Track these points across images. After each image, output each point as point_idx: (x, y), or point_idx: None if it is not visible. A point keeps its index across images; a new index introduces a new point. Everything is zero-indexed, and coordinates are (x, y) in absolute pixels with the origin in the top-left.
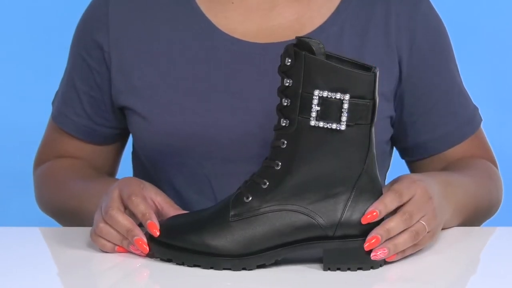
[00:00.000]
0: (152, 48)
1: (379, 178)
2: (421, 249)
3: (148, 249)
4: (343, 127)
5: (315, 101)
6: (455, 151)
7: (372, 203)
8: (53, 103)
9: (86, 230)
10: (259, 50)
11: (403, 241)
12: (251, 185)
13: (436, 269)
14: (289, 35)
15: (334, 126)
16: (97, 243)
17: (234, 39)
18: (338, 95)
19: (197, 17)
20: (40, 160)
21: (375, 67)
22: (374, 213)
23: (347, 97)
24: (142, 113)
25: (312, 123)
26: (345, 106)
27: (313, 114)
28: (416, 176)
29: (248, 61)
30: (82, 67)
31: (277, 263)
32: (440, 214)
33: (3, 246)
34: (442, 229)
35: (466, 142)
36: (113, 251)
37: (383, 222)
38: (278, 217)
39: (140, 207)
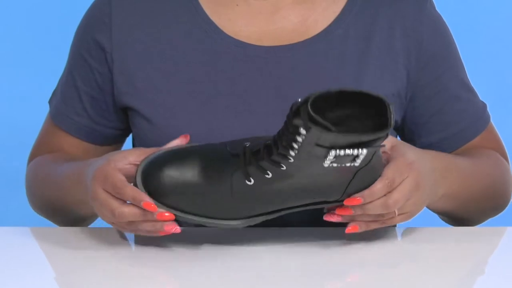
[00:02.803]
0: (155, 50)
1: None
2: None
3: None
4: (357, 164)
5: (331, 158)
6: (469, 148)
7: (378, 173)
8: (50, 101)
9: (86, 230)
10: (263, 53)
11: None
12: (255, 169)
13: (439, 270)
14: (294, 38)
15: (348, 164)
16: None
17: (238, 42)
18: (355, 151)
19: (201, 19)
20: (33, 158)
21: (387, 100)
22: (358, 198)
23: (364, 151)
24: (146, 115)
25: (326, 165)
26: (361, 157)
27: (327, 163)
28: (412, 155)
29: (252, 64)
30: (83, 67)
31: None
32: (423, 200)
33: (3, 246)
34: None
35: (479, 138)
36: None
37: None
38: (287, 196)
39: (128, 193)
